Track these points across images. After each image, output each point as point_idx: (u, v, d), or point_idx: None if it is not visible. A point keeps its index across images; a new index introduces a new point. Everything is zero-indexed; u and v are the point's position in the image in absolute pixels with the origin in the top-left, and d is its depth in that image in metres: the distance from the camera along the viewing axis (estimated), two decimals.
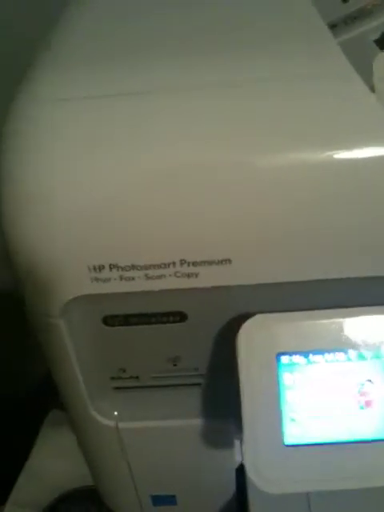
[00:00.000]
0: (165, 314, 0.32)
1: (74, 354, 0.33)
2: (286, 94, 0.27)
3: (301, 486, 0.30)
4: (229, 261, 0.28)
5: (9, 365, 0.73)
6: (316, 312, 0.29)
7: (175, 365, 0.35)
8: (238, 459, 0.41)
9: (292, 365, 0.29)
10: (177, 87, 0.28)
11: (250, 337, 0.29)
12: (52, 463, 0.58)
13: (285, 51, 0.29)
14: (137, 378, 0.36)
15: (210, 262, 0.28)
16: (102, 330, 0.33)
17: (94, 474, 0.45)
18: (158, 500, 0.43)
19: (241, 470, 0.41)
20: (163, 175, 0.26)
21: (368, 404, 0.29)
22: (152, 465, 0.41)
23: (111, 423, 0.37)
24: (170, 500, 0.43)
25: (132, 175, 0.27)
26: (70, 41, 0.34)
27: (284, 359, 0.29)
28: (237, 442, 0.40)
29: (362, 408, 0.29)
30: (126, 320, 0.32)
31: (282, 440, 0.29)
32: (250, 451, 0.29)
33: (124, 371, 0.36)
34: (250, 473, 0.29)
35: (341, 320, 0.29)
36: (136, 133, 0.27)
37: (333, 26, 0.32)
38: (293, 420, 0.29)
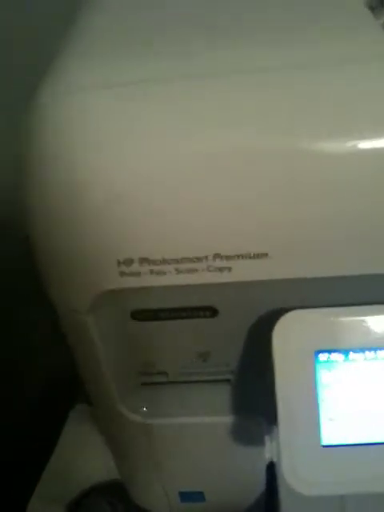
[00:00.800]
0: (195, 309, 0.31)
1: (103, 349, 0.32)
2: (333, 82, 0.25)
3: (338, 489, 0.29)
4: (265, 255, 0.26)
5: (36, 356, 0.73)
6: (355, 308, 0.28)
7: (205, 360, 0.34)
8: (267, 457, 0.40)
9: (330, 362, 0.28)
10: (217, 73, 0.27)
11: (286, 333, 0.28)
12: (77, 458, 0.57)
13: (327, 35, 0.28)
14: (166, 373, 0.35)
15: (245, 256, 0.26)
16: (130, 325, 0.32)
17: (121, 469, 0.45)
18: (185, 496, 0.43)
19: (271, 468, 0.40)
20: (198, 167, 0.25)
21: None
22: (180, 461, 0.40)
23: (139, 419, 0.36)
24: (198, 497, 0.43)
25: (165, 167, 0.25)
26: (94, 33, 0.32)
27: (322, 357, 0.28)
28: (267, 440, 0.39)
29: None
30: (155, 315, 0.31)
31: (320, 441, 0.28)
32: (287, 452, 0.28)
33: (153, 366, 0.35)
34: (287, 474, 0.28)
35: (381, 316, 0.27)
36: (170, 122, 0.25)
37: (371, 8, 0.30)
38: (331, 420, 0.28)
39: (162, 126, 0.25)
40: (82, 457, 0.56)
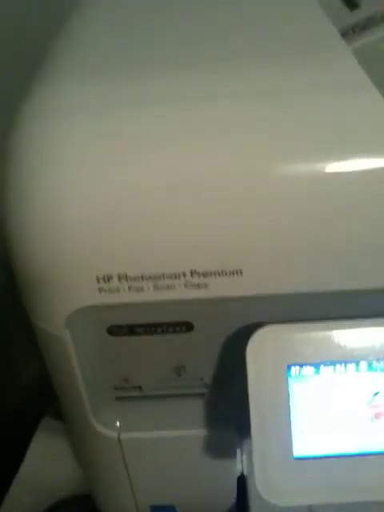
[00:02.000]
0: (171, 324, 0.32)
1: (77, 363, 0.33)
2: (301, 105, 0.27)
3: (310, 499, 0.29)
4: (240, 272, 0.27)
5: None
6: (326, 323, 0.29)
7: (179, 375, 0.35)
8: (239, 468, 0.40)
9: (302, 376, 0.29)
10: (187, 96, 0.28)
11: (260, 347, 0.29)
12: (45, 470, 0.57)
13: (298, 61, 0.29)
14: (139, 388, 0.35)
15: (221, 273, 0.27)
16: (106, 340, 0.32)
17: (91, 482, 0.45)
18: (157, 510, 0.43)
19: (242, 480, 0.41)
20: (173, 185, 0.26)
21: (378, 416, 0.29)
22: (152, 475, 0.40)
23: (113, 434, 0.37)
24: (169, 510, 0.43)
25: (141, 184, 0.26)
26: (74, 52, 0.33)
27: (294, 370, 0.29)
28: (238, 452, 0.39)
29: (372, 420, 0.28)
30: (131, 330, 0.32)
31: (292, 452, 0.29)
32: (260, 464, 0.28)
33: (127, 381, 0.35)
34: (259, 485, 0.29)
35: (351, 331, 0.29)
36: (143, 142, 0.26)
37: (342, 35, 0.32)
38: (302, 432, 0.29)
39: (137, 145, 0.26)
40: (51, 469, 0.55)
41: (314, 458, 0.29)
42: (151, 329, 0.32)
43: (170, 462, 0.39)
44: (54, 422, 0.60)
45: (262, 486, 0.29)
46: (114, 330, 0.32)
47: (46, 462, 0.58)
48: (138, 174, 0.26)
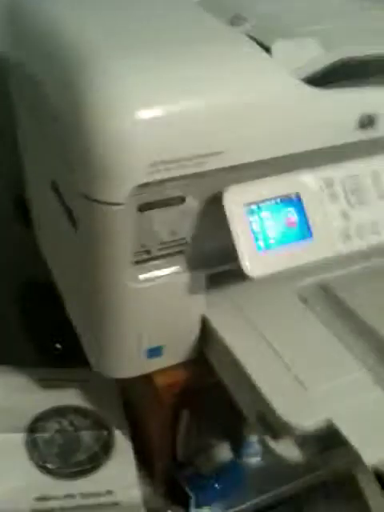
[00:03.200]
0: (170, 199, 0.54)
1: (120, 231, 0.53)
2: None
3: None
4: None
5: None
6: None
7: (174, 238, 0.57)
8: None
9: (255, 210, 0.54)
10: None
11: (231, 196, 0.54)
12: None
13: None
14: (149, 251, 0.57)
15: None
16: (136, 216, 0.53)
17: (93, 334, 0.63)
18: (151, 351, 0.63)
19: None
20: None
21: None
22: (155, 320, 0.61)
23: (137, 285, 0.57)
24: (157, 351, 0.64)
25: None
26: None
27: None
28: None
29: None
30: (152, 206, 0.53)
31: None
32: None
33: (144, 246, 0.56)
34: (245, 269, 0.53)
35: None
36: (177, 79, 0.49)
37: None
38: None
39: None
40: None
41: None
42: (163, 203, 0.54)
43: (167, 306, 0.60)
44: None
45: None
46: (142, 208, 0.53)
47: None
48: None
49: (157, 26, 0.57)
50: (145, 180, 0.50)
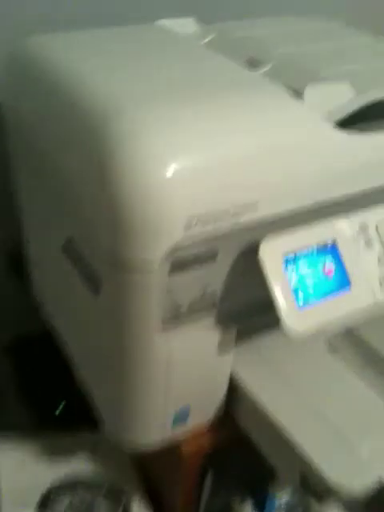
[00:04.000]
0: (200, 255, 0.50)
1: (149, 297, 0.48)
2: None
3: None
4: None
5: None
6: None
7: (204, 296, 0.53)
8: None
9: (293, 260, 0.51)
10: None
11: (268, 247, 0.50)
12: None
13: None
14: (178, 311, 0.52)
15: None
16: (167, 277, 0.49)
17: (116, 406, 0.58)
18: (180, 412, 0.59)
19: None
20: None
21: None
22: (182, 381, 0.56)
23: (166, 346, 0.52)
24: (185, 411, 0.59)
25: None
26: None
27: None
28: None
29: None
30: (185, 264, 0.49)
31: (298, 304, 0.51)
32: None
33: (175, 303, 0.52)
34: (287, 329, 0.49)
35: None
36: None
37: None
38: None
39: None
40: None
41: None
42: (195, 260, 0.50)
43: (195, 365, 0.56)
44: None
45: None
46: (175, 265, 0.49)
47: None
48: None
49: (178, 74, 0.54)
50: (180, 237, 0.46)
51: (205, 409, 0.61)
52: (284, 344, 0.62)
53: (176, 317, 0.53)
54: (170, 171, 0.43)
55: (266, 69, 0.57)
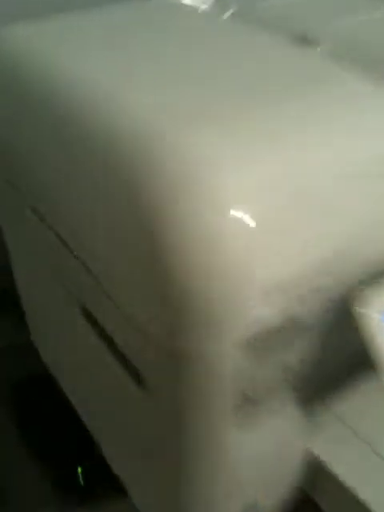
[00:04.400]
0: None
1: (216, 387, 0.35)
2: None
3: None
4: None
5: None
6: None
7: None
8: None
9: None
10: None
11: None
12: None
13: None
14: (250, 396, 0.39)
15: None
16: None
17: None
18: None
19: None
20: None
21: None
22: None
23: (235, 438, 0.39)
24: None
25: None
26: None
27: None
28: None
29: None
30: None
31: None
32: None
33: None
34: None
35: None
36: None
37: None
38: None
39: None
40: None
41: None
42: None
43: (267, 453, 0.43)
44: None
45: None
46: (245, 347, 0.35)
47: None
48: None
49: (223, 69, 0.38)
50: (258, 314, 0.32)
51: (274, 500, 0.48)
52: (363, 402, 0.49)
53: (248, 403, 0.39)
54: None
55: (325, 49, 0.42)
